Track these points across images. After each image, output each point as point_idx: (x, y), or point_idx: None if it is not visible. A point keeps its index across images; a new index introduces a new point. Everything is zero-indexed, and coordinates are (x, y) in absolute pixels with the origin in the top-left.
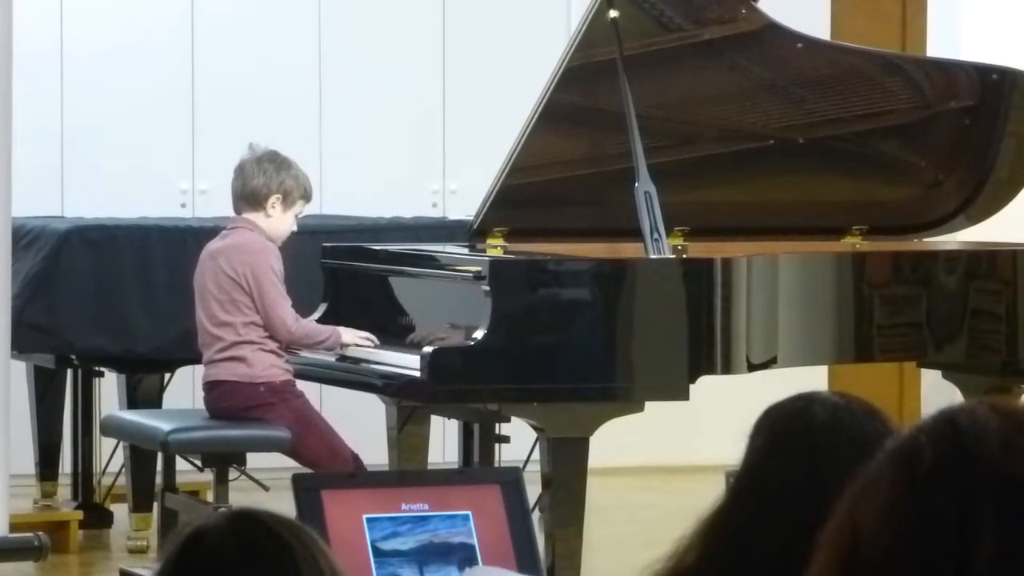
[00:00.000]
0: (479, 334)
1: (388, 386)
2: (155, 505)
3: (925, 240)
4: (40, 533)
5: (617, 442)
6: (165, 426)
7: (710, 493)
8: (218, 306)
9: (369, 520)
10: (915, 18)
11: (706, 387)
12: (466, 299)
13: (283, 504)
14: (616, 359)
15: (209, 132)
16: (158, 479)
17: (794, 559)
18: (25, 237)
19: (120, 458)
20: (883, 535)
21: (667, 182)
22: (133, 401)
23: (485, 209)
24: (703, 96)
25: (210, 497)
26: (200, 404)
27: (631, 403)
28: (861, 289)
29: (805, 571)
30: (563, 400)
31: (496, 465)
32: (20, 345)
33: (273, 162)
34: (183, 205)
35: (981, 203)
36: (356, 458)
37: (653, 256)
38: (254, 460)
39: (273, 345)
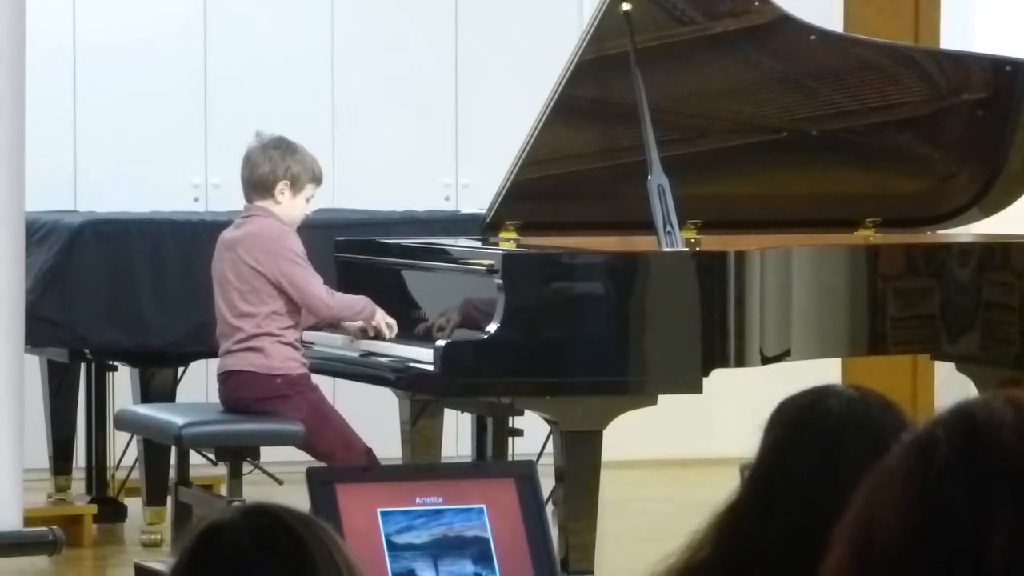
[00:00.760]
0: (492, 328)
1: (401, 380)
2: (169, 499)
3: (939, 232)
4: (54, 527)
5: (630, 435)
6: (179, 420)
7: (724, 487)
8: (239, 296)
9: (383, 514)
10: (928, 10)
11: (720, 380)
12: (479, 293)
13: (297, 498)
14: (629, 352)
15: (221, 126)
16: (172, 473)
17: (809, 553)
18: (38, 232)
19: (134, 452)
20: (899, 528)
21: (680, 175)
22: (146, 395)
23: (498, 203)
24: (716, 89)
25: (224, 491)
26: (214, 398)
27: (644, 396)
28: (875, 282)
29: (820, 565)
30: (576, 393)
31: (510, 459)
32: (34, 339)
33: (279, 148)
34: (196, 199)
35: (994, 195)
36: (369, 452)
37: (666, 249)
38: (268, 454)
39: (291, 338)
